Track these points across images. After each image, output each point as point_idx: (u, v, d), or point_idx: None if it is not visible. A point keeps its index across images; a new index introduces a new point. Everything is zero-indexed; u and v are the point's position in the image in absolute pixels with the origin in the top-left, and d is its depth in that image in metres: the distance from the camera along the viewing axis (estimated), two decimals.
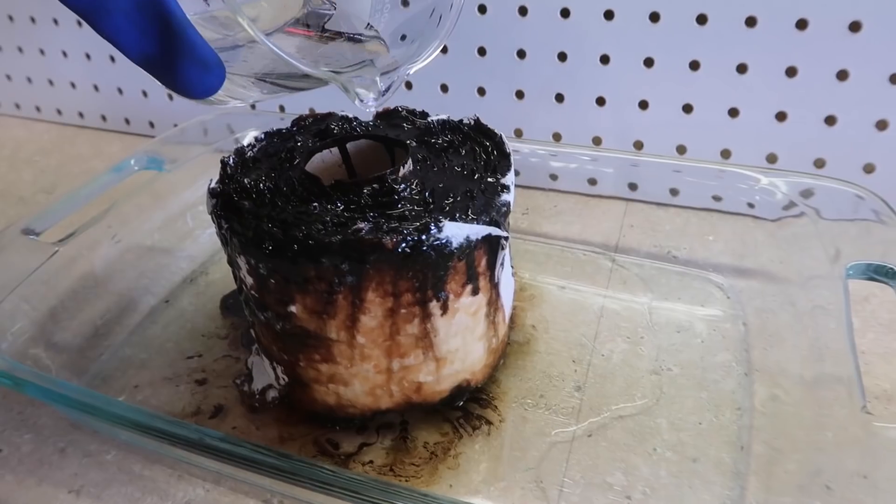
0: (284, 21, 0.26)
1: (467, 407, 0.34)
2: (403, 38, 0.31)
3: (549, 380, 0.36)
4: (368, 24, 0.32)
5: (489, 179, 0.33)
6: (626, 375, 0.36)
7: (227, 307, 0.43)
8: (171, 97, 0.65)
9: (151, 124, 0.68)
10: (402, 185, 0.31)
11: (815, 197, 0.40)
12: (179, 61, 0.22)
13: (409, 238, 0.28)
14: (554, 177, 0.53)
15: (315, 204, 0.30)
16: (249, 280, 0.31)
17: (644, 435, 0.33)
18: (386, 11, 0.33)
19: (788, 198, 0.41)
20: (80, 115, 0.71)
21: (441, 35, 0.30)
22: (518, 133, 0.53)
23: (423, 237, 0.28)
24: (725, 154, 0.48)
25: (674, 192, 0.49)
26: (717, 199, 0.48)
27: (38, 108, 0.73)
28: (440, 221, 0.28)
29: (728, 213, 0.48)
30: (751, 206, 0.44)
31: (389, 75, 0.28)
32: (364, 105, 0.27)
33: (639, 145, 0.51)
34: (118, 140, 0.69)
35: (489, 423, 0.34)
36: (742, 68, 0.45)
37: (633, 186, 0.50)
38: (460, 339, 0.32)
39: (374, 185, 0.31)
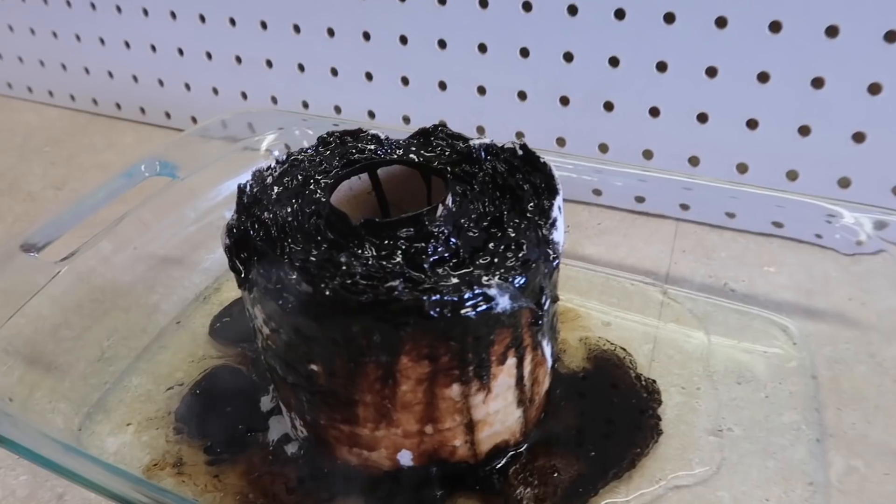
0: None
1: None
2: None
3: None
4: None
5: (538, 223, 0.28)
6: (681, 435, 0.33)
7: (215, 332, 0.39)
8: (188, 87, 0.61)
9: (168, 115, 0.64)
10: (441, 227, 0.27)
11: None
12: None
13: (448, 299, 0.24)
14: (598, 192, 0.48)
15: (342, 254, 0.26)
16: (265, 330, 0.28)
17: None
18: None
19: (863, 231, 0.37)
20: (94, 101, 0.67)
21: None
22: (560, 142, 0.49)
23: (466, 299, 0.24)
24: (791, 175, 0.44)
25: (730, 214, 0.45)
26: (777, 225, 0.43)
27: (50, 93, 0.70)
28: (487, 280, 0.25)
29: (791, 239, 0.44)
30: (818, 235, 0.40)
31: None
32: None
33: (694, 161, 0.46)
34: (132, 130, 0.65)
35: None
36: (818, 83, 0.40)
37: (684, 206, 0.46)
38: (501, 401, 0.28)
39: (410, 228, 0.27)
